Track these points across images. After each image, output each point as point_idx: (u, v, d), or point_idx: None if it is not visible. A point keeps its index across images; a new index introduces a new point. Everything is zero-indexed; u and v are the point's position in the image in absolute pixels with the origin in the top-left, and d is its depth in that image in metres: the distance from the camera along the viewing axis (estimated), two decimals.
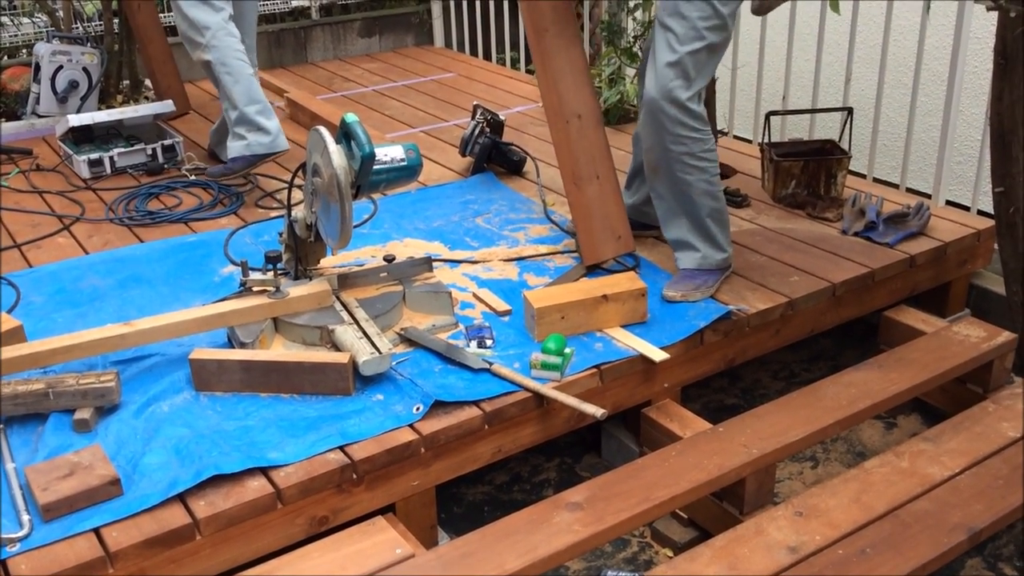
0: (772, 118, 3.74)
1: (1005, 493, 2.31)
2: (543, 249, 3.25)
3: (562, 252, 3.21)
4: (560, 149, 3.02)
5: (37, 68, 4.43)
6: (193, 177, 3.96)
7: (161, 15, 5.24)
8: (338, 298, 2.73)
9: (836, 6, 3.10)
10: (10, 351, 2.39)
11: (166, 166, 4.07)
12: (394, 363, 2.53)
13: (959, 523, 2.22)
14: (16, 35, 5.24)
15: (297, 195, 2.87)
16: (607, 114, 4.53)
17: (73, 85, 4.45)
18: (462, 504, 2.77)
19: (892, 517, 2.24)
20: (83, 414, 2.31)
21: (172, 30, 5.54)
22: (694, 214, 2.92)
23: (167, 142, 4.09)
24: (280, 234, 2.82)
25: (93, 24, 5.27)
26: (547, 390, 2.44)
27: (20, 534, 1.99)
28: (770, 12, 3.11)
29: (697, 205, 2.89)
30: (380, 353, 2.44)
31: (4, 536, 1.98)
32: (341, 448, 2.25)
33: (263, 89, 5.32)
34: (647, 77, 2.82)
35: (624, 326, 2.74)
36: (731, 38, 2.80)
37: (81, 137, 4.14)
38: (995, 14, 2.76)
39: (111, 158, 4.01)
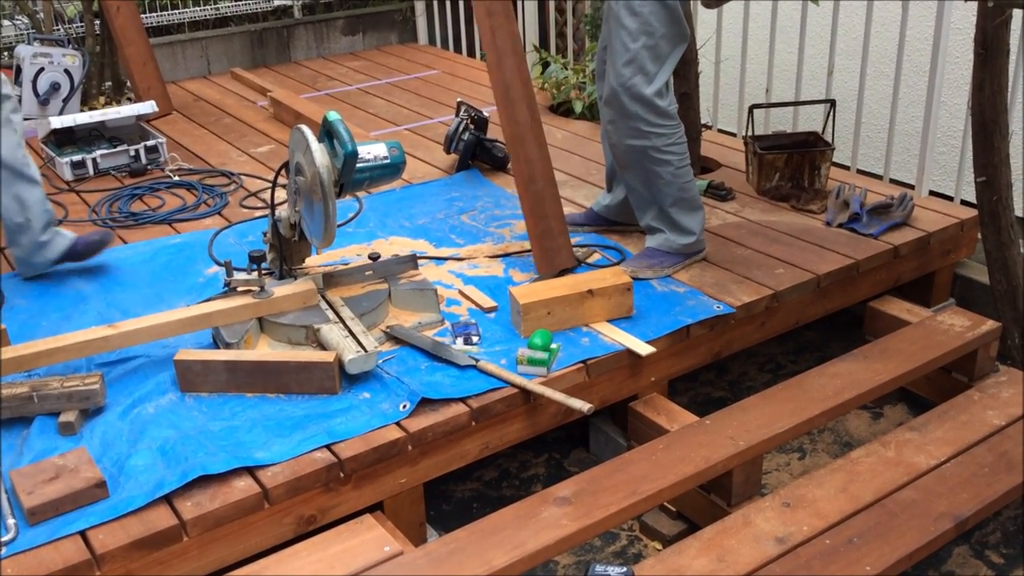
0: (755, 111, 3.74)
1: (991, 481, 2.33)
2: (528, 245, 3.24)
3: None
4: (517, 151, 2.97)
5: (18, 70, 4.41)
6: (176, 178, 3.95)
7: (143, 16, 5.23)
8: (323, 297, 2.72)
9: None
10: None
11: (149, 167, 4.05)
12: (380, 361, 2.53)
13: (945, 511, 2.23)
14: None
15: (281, 194, 2.86)
16: (591, 109, 4.53)
17: (55, 87, 4.43)
18: (450, 501, 2.77)
19: (879, 506, 2.25)
20: (68, 417, 2.30)
21: (154, 31, 5.54)
22: (660, 203, 3.00)
23: (150, 143, 4.07)
24: (264, 234, 2.82)
25: (74, 26, 5.25)
26: (534, 386, 2.44)
27: (6, 538, 1.98)
28: (721, 5, 3.15)
29: (663, 195, 2.97)
30: (366, 351, 2.43)
31: None
32: (328, 447, 2.25)
33: (246, 88, 5.35)
34: (608, 75, 2.86)
35: (610, 321, 2.74)
36: (687, 31, 2.83)
37: (63, 139, 4.12)
38: (975, 5, 2.77)
39: (94, 160, 3.99)
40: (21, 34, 5.14)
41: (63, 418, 2.30)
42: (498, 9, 2.87)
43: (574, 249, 3.10)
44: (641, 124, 2.84)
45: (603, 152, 3.30)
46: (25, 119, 4.47)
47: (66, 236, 3.05)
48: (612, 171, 3.24)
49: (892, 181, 3.84)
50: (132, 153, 4.03)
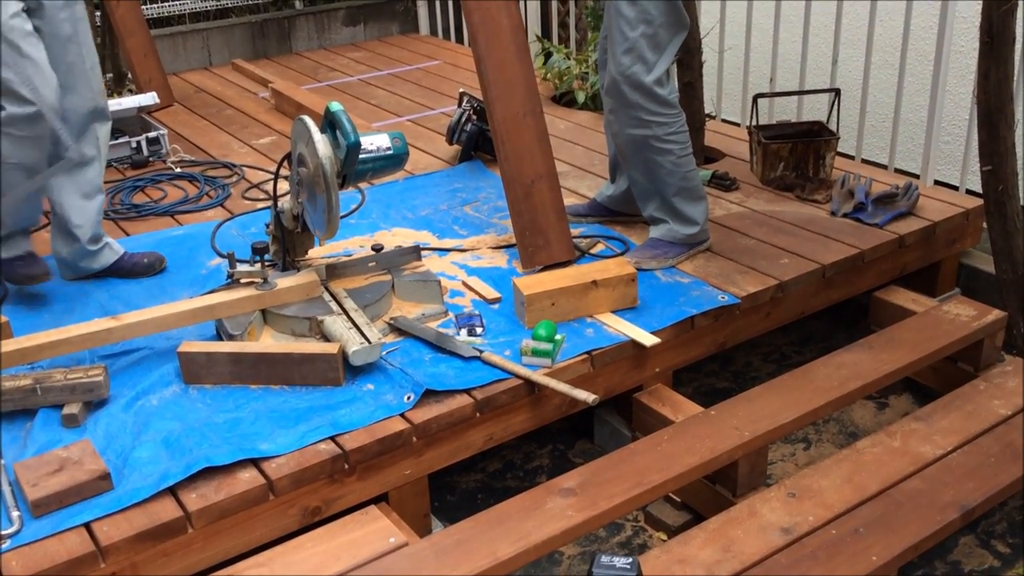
0: (760, 100, 3.73)
1: (997, 471, 2.32)
2: None
3: None
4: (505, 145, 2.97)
5: None
6: (178, 169, 3.94)
7: (144, 7, 5.21)
8: (327, 288, 2.72)
9: None
10: None
11: (151, 159, 4.04)
12: (384, 353, 2.52)
13: (951, 501, 2.22)
14: None
15: (283, 186, 2.85)
16: (593, 99, 4.52)
17: None
18: (455, 492, 2.77)
19: (884, 496, 2.24)
20: (72, 409, 2.30)
21: (154, 23, 5.52)
22: (662, 193, 2.98)
23: (152, 135, 4.06)
24: (267, 225, 2.81)
25: None
26: (538, 377, 2.44)
27: (10, 531, 1.98)
28: None
29: (665, 184, 2.96)
30: (370, 343, 2.43)
31: None
32: (332, 438, 2.25)
33: (247, 79, 5.34)
34: (608, 64, 2.85)
35: (615, 311, 2.74)
36: (687, 19, 2.82)
37: None
38: None
39: None
40: None
41: (67, 410, 2.30)
42: (487, 5, 2.88)
43: (577, 240, 3.09)
44: (642, 113, 2.83)
45: (606, 142, 3.29)
46: None
47: (115, 250, 3.04)
48: (615, 161, 3.22)
49: (897, 171, 3.83)
50: (134, 145, 4.02)
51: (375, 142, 2.64)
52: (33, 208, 2.85)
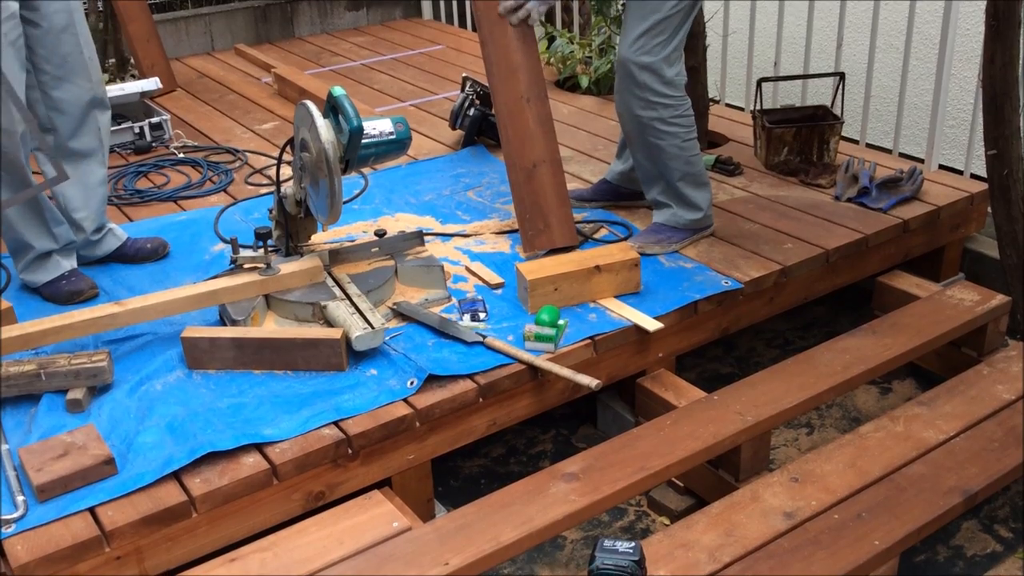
0: (764, 85, 3.71)
1: (1000, 456, 2.32)
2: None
3: None
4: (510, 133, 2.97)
5: None
6: (181, 155, 3.93)
7: None
8: (330, 274, 2.72)
9: None
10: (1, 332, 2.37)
11: (154, 144, 4.04)
12: (387, 338, 2.52)
13: (954, 486, 2.22)
14: None
15: (286, 171, 2.85)
16: (597, 84, 4.50)
17: None
18: (458, 477, 2.78)
19: (887, 481, 2.24)
20: (76, 394, 2.31)
21: (157, 7, 5.50)
22: (667, 177, 2.97)
23: (154, 120, 4.05)
24: (270, 211, 2.80)
25: None
26: (541, 362, 2.44)
27: (15, 515, 1.99)
28: None
29: (669, 169, 2.94)
30: (373, 328, 2.43)
31: None
32: (336, 423, 2.25)
33: (250, 64, 5.32)
34: (619, 44, 2.85)
35: (618, 296, 2.73)
36: (699, 2, 2.80)
37: None
38: None
39: None
40: None
41: (71, 395, 2.31)
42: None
43: (581, 225, 3.09)
44: (649, 94, 2.82)
45: (620, 122, 3.27)
46: None
47: (118, 236, 3.04)
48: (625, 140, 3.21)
49: (901, 155, 3.81)
50: (136, 130, 4.01)
51: (378, 127, 2.63)
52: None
